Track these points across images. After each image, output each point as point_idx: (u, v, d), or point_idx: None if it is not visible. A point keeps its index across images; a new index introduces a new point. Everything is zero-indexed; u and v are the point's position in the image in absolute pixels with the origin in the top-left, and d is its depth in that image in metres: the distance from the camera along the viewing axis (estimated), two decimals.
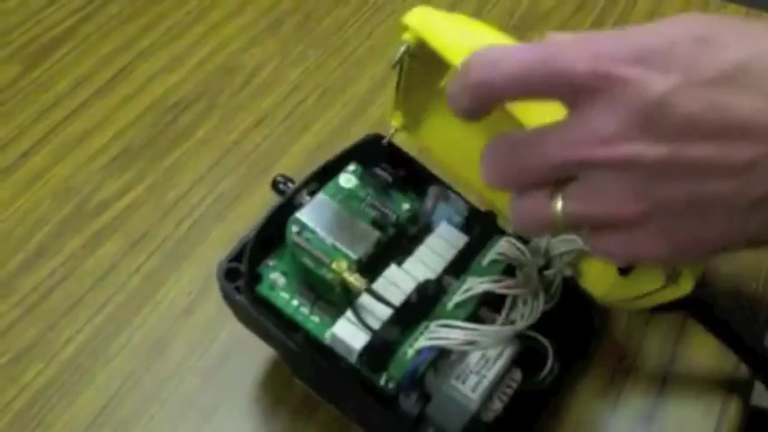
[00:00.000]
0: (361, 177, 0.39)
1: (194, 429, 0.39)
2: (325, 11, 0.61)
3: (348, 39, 0.59)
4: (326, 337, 0.35)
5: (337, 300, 0.36)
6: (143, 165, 0.50)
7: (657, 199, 0.27)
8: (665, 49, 0.26)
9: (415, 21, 0.36)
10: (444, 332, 0.34)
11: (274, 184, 0.41)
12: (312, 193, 0.38)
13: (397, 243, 0.38)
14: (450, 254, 0.37)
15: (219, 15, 0.60)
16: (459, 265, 0.37)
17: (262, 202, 0.46)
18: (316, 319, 0.36)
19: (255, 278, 0.37)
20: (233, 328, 0.41)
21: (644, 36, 0.27)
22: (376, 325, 0.34)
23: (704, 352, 0.41)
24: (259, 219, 0.37)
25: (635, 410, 0.39)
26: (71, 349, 0.42)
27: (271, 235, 0.37)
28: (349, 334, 0.34)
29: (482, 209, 0.40)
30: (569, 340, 0.38)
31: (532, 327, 0.36)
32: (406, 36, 0.36)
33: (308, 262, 0.36)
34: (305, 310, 0.36)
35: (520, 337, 0.36)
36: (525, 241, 0.37)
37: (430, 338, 0.34)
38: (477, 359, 0.34)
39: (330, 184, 0.39)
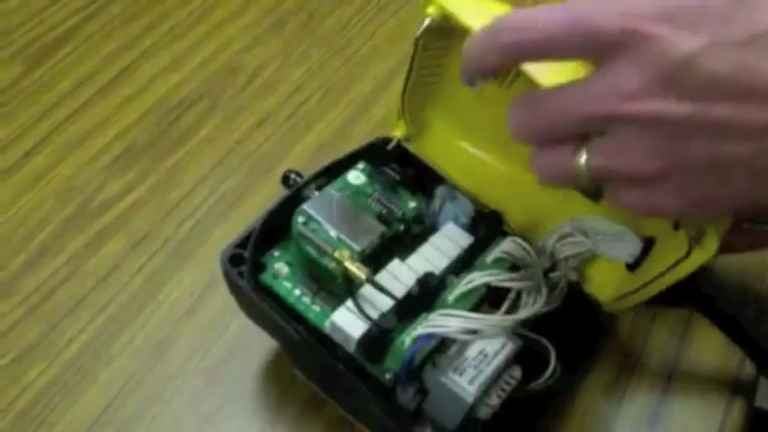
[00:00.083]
0: (369, 175, 0.40)
1: (196, 430, 0.39)
2: (328, 10, 0.61)
3: (351, 38, 0.59)
4: (326, 325, 0.35)
5: (339, 290, 0.36)
6: (146, 164, 0.50)
7: (678, 157, 0.27)
8: (696, 8, 0.27)
9: None
10: (443, 320, 0.34)
11: (285, 179, 0.41)
12: (320, 188, 0.39)
13: (401, 240, 0.38)
14: (454, 253, 0.37)
15: (222, 15, 0.60)
16: (463, 264, 0.37)
17: (264, 201, 0.46)
18: (317, 308, 0.36)
19: (260, 267, 0.37)
20: (236, 329, 0.41)
21: None
22: (376, 315, 0.34)
23: (709, 351, 0.41)
24: (266, 209, 0.37)
25: (640, 408, 0.39)
26: (73, 349, 0.42)
27: (277, 227, 0.37)
28: (348, 322, 0.34)
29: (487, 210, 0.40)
30: (575, 342, 0.38)
31: (537, 329, 0.36)
32: (431, 10, 0.35)
33: (311, 251, 0.36)
34: (306, 299, 0.36)
35: (523, 338, 0.35)
36: (530, 242, 0.37)
37: (428, 326, 0.34)
38: (476, 354, 0.34)
39: (339, 180, 0.39)
